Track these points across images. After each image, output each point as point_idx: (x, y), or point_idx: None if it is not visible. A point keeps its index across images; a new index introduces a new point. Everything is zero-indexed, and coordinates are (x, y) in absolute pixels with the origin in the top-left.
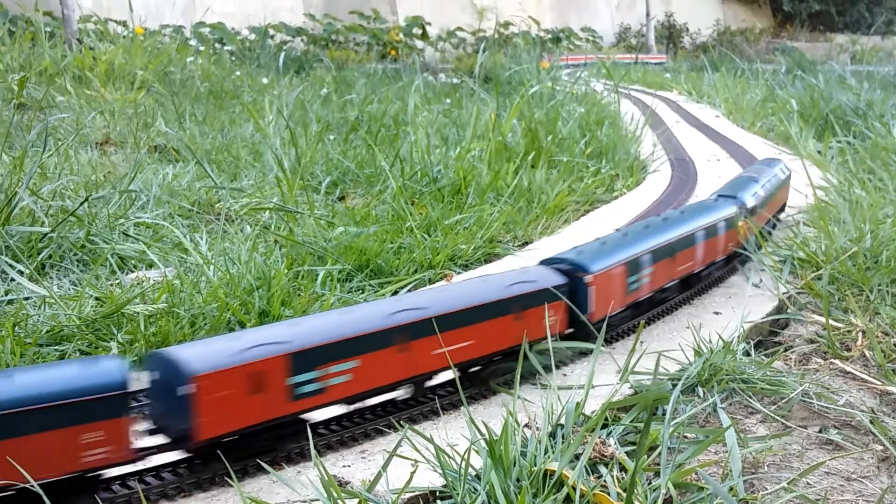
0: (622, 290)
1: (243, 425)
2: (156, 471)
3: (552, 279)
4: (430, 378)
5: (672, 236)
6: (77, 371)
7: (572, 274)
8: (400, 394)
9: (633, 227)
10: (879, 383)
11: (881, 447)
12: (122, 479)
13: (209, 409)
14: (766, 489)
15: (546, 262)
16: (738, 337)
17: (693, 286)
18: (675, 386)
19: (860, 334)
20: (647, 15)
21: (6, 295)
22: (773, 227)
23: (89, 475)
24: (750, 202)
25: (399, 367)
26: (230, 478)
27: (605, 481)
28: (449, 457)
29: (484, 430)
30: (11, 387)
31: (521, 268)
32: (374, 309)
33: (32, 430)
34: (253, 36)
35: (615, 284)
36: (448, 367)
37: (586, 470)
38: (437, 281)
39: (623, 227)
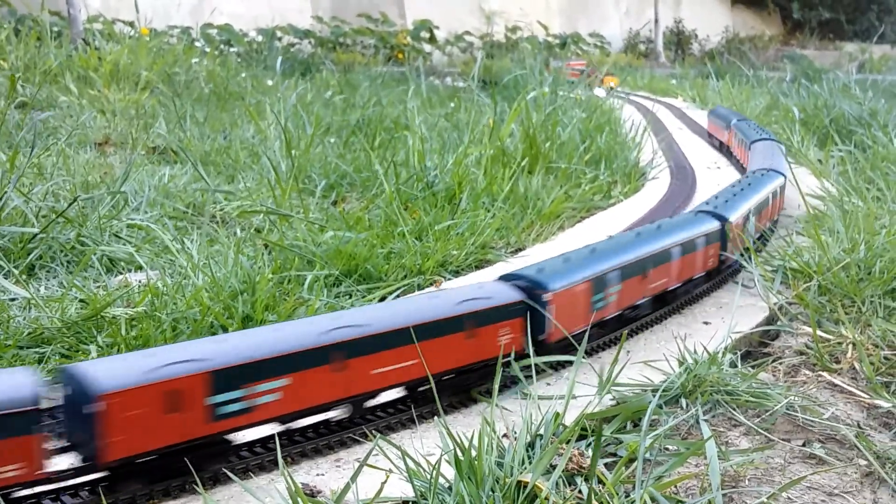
0: (585, 309)
1: (157, 446)
2: (125, 478)
3: (508, 295)
4: (371, 398)
5: (643, 252)
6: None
7: (531, 291)
8: (335, 414)
9: (603, 243)
10: (867, 397)
11: (865, 462)
12: (92, 485)
13: (119, 428)
14: (746, 503)
15: (505, 278)
16: (725, 348)
17: (669, 303)
18: (658, 397)
19: (850, 346)
20: (656, 21)
21: None
22: (763, 237)
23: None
24: (733, 217)
25: (335, 386)
26: (199, 485)
27: (580, 493)
28: (420, 466)
29: (456, 440)
30: None
31: (477, 283)
32: (309, 326)
33: None
34: (260, 38)
35: (578, 302)
36: (390, 387)
37: (564, 482)
38: (427, 287)
39: (592, 243)
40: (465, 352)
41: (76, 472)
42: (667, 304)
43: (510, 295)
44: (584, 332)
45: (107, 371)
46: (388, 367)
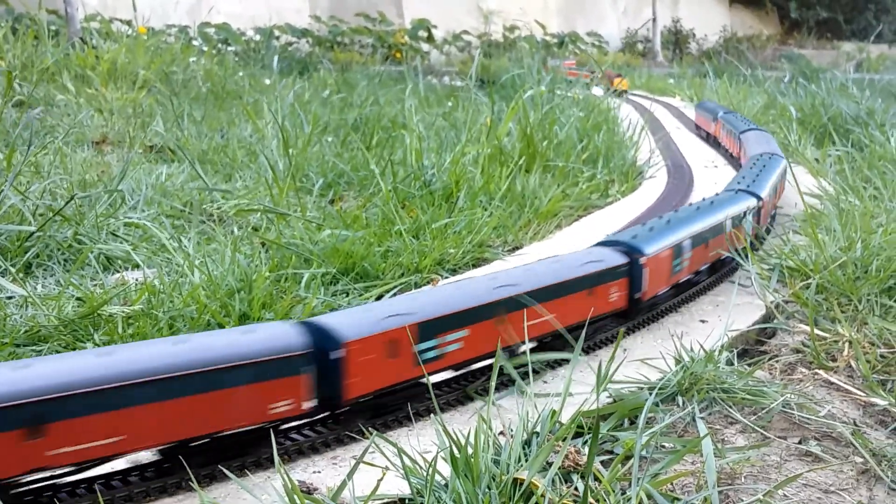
0: (668, 272)
1: (381, 386)
2: (122, 475)
3: (616, 259)
4: (518, 348)
5: (706, 224)
6: (262, 335)
7: (630, 255)
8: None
9: (674, 216)
10: (863, 394)
11: (861, 460)
12: (89, 482)
13: (357, 371)
14: (742, 500)
15: (604, 244)
16: (722, 346)
17: (718, 271)
18: (655, 395)
19: (846, 345)
20: (654, 21)
21: None
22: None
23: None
24: (764, 193)
25: (495, 338)
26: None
27: (576, 490)
28: (416, 464)
29: (452, 437)
30: (213, 346)
31: (586, 249)
32: (479, 284)
33: (229, 385)
34: (258, 37)
35: (663, 266)
36: (533, 339)
37: (561, 479)
38: (424, 285)
39: (666, 214)
40: (586, 308)
41: (321, 408)
42: (716, 272)
43: (618, 259)
44: (667, 292)
45: (346, 323)
46: (532, 321)
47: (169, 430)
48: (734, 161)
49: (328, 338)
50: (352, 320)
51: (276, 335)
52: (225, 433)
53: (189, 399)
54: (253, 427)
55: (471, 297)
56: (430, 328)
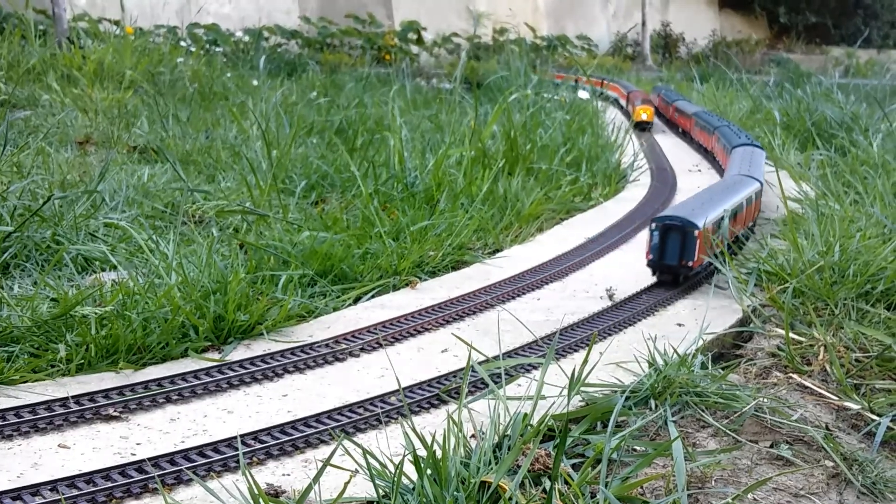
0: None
1: (705, 260)
2: (89, 476)
3: (756, 185)
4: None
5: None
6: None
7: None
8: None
9: (708, 194)
10: (837, 399)
11: (832, 464)
12: (53, 484)
13: (701, 247)
14: (712, 503)
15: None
16: (697, 349)
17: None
18: (627, 398)
19: (822, 349)
20: (643, 24)
21: None
22: (737, 239)
23: None
24: (762, 177)
25: (744, 220)
26: (160, 485)
27: (544, 492)
28: (385, 467)
29: (418, 441)
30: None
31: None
32: (735, 187)
33: None
34: (247, 38)
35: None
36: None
37: (531, 482)
38: (403, 287)
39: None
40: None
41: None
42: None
43: (756, 185)
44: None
45: (695, 216)
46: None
47: None
48: (688, 136)
49: (692, 224)
50: (701, 217)
51: None
52: None
53: None
54: None
55: (738, 196)
56: (724, 218)
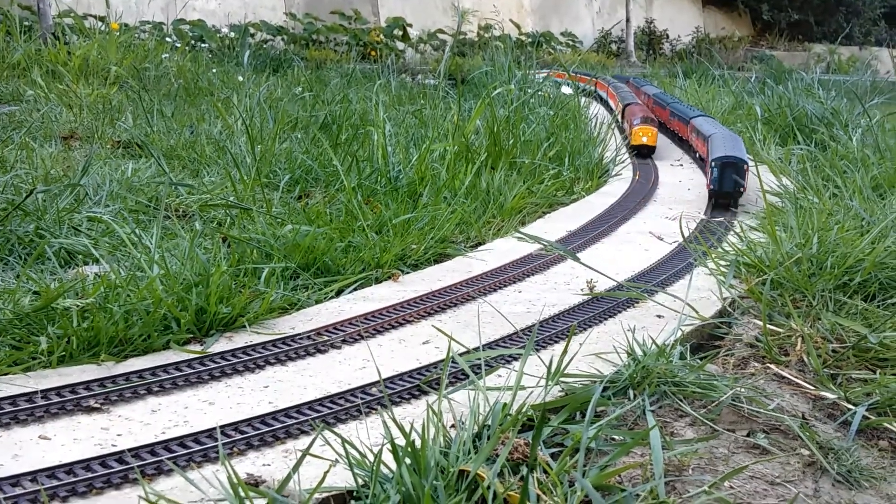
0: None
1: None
2: (69, 467)
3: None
4: None
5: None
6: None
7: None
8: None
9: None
10: (813, 388)
11: (808, 452)
12: (33, 475)
13: (746, 176)
14: (689, 492)
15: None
16: (675, 340)
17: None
18: (606, 388)
19: (799, 339)
20: (627, 21)
21: None
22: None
23: None
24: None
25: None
26: (139, 475)
27: (521, 480)
28: (364, 456)
29: (397, 430)
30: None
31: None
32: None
33: None
34: (233, 34)
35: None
36: None
37: (510, 471)
38: (385, 280)
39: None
40: None
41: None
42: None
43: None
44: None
45: (743, 155)
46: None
47: None
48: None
49: (742, 160)
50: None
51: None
52: None
53: None
54: None
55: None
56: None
